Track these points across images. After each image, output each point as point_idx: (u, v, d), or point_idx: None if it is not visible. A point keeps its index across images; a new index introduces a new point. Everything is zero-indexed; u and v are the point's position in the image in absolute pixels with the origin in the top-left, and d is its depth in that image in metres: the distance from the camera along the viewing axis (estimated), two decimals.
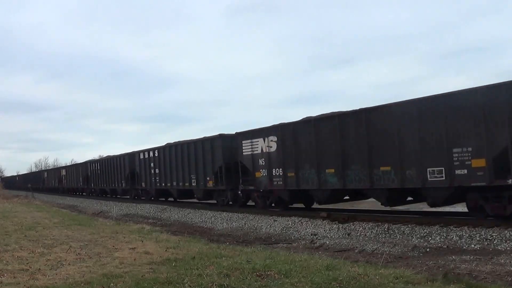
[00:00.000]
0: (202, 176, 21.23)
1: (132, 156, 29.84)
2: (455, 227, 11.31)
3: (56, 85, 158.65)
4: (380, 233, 12.34)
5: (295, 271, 6.69)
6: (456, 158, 11.09)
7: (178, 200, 25.84)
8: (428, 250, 10.26)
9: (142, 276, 6.77)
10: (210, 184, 20.71)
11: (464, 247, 10.07)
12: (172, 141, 25.47)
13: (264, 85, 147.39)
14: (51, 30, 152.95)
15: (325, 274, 6.49)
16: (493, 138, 10.48)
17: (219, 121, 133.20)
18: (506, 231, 10.24)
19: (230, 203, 20.19)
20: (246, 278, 6.38)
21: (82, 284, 6.39)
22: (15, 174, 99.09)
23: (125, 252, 9.19)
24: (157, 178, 25.95)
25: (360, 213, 15.59)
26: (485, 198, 11.17)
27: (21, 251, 9.62)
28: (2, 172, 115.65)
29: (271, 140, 16.81)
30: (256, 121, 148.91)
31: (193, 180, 22.09)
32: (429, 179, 11.68)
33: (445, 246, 10.41)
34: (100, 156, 65.00)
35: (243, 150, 18.24)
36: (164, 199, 27.58)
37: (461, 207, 17.17)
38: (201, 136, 22.63)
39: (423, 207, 15.69)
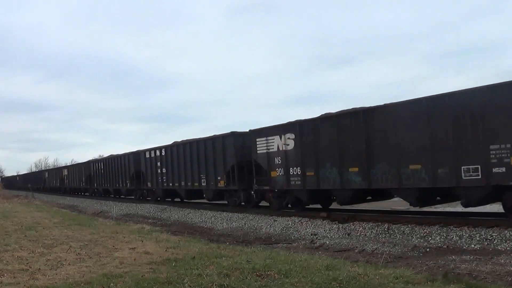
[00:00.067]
0: (213, 176, 20.40)
1: (137, 155, 28.89)
2: (455, 227, 11.30)
3: (56, 85, 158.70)
4: (380, 233, 12.34)
5: (295, 271, 6.69)
6: (493, 156, 10.46)
7: (186, 200, 24.95)
8: (428, 250, 10.26)
9: (142, 276, 6.77)
10: (221, 184, 19.86)
11: (464, 247, 10.08)
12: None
13: (264, 85, 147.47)
14: (51, 30, 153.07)
15: (325, 274, 6.49)
16: None
17: (219, 121, 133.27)
18: (506, 231, 10.24)
19: (242, 203, 19.34)
20: (246, 278, 6.38)
21: (82, 284, 6.39)
22: (15, 174, 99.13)
23: (125, 252, 9.19)
24: (164, 178, 25.08)
25: (360, 213, 15.57)
26: None
27: (21, 251, 9.62)
28: (2, 172, 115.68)
29: (288, 138, 16.02)
30: (256, 121, 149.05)
31: (202, 180, 21.27)
32: (463, 177, 10.99)
33: (445, 246, 10.41)
34: (100, 156, 64.89)
35: (258, 148, 17.44)
36: (170, 199, 26.63)
37: (461, 207, 17.15)
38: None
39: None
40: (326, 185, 14.64)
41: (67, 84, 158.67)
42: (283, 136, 16.25)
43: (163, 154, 25.20)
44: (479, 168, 10.77)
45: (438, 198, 12.78)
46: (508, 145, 10.25)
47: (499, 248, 9.61)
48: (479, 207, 12.15)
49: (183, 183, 23.15)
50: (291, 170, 15.91)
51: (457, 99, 11.18)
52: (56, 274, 7.23)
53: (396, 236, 11.89)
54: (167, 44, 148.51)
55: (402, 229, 12.17)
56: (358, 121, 13.51)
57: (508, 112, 10.28)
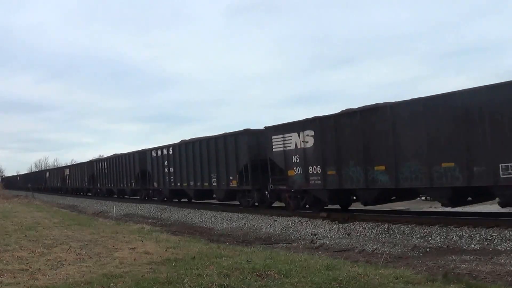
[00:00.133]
0: (224, 175, 19.57)
1: (143, 154, 27.92)
2: (455, 227, 11.30)
3: (56, 85, 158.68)
4: (380, 233, 12.34)
5: (295, 271, 6.69)
6: None
7: (195, 201, 24.03)
8: (428, 250, 10.26)
9: (142, 276, 6.77)
10: (234, 184, 19.03)
11: (464, 247, 10.08)
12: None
13: (264, 85, 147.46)
14: (51, 30, 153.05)
15: (325, 274, 6.49)
16: None
17: (219, 121, 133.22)
18: (506, 231, 10.24)
19: (256, 204, 18.63)
20: (246, 278, 6.38)
21: (82, 284, 6.40)
22: (15, 174, 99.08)
23: (125, 252, 9.19)
24: (172, 177, 24.19)
25: (360, 213, 15.57)
26: None
27: (21, 251, 9.62)
28: (2, 172, 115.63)
29: (307, 135, 15.16)
30: (256, 121, 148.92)
31: (213, 180, 20.38)
32: (501, 176, 10.37)
33: (445, 246, 10.41)
34: (100, 156, 64.82)
35: (273, 146, 16.59)
36: (177, 200, 25.80)
37: (461, 207, 17.16)
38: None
39: (423, 207, 15.71)
40: (349, 184, 13.88)
41: (67, 84, 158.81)
42: (301, 133, 15.43)
43: (170, 153, 24.30)
44: None
45: (469, 198, 12.28)
46: None
47: (499, 248, 9.61)
48: (479, 207, 12.15)
49: (192, 183, 22.31)
50: (310, 169, 15.14)
51: (496, 94, 10.54)
52: (56, 274, 7.23)
53: (396, 236, 11.89)
54: (167, 44, 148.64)
55: (402, 229, 12.17)
56: (385, 116, 12.76)
57: None
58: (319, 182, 14.86)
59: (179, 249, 9.37)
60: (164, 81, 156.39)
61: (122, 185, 31.54)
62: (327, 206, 15.86)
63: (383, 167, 12.82)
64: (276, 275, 6.50)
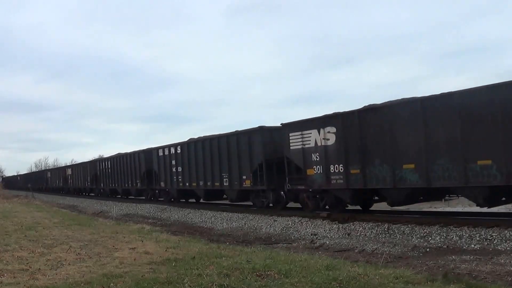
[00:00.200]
0: (237, 175, 18.71)
1: (148, 153, 27.13)
2: (455, 227, 11.30)
3: (56, 85, 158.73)
4: (380, 233, 12.34)
5: (295, 271, 6.69)
6: None
7: (204, 201, 23.26)
8: (428, 250, 10.26)
9: (142, 276, 6.77)
10: (247, 183, 18.19)
11: (464, 247, 10.08)
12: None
13: (264, 85, 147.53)
14: (51, 30, 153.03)
15: (325, 274, 6.49)
16: None
17: (219, 121, 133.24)
18: (506, 231, 10.24)
19: (271, 205, 17.91)
20: (246, 278, 6.38)
21: (82, 284, 6.40)
22: (15, 174, 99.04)
23: (125, 252, 9.19)
24: (180, 177, 23.28)
25: (360, 213, 15.57)
26: None
27: (21, 251, 9.63)
28: (2, 172, 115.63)
29: (328, 132, 14.41)
30: (256, 121, 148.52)
31: (225, 180, 19.57)
32: None
33: (445, 246, 10.41)
34: (100, 156, 64.74)
35: (291, 144, 15.78)
36: (184, 200, 25.12)
37: (461, 207, 17.19)
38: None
39: (423, 207, 15.71)
40: (374, 184, 13.14)
41: (67, 84, 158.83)
42: (322, 130, 14.61)
43: (178, 151, 23.41)
44: None
45: (503, 198, 11.71)
46: None
47: (499, 248, 9.61)
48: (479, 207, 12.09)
49: (201, 183, 21.46)
50: (331, 168, 14.36)
51: None
52: (56, 274, 7.23)
53: (396, 236, 11.89)
54: (167, 44, 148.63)
55: (402, 229, 12.17)
56: (415, 111, 11.98)
57: None
58: (341, 181, 14.11)
59: (179, 249, 9.37)
60: (164, 81, 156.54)
61: (126, 185, 30.80)
62: (347, 206, 15.34)
63: (412, 166, 12.12)
64: (276, 275, 6.50)
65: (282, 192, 17.19)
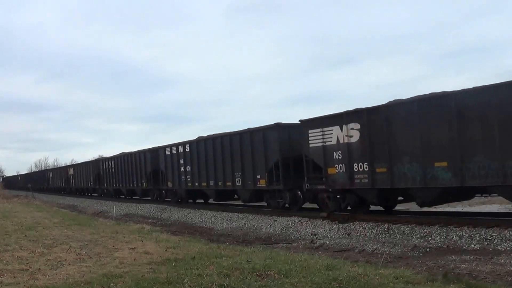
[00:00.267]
0: (251, 174, 17.94)
1: (155, 152, 26.39)
2: (455, 227, 11.30)
3: (56, 85, 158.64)
4: (380, 233, 12.34)
5: (295, 271, 6.69)
6: None
7: (215, 202, 22.37)
8: (428, 250, 10.26)
9: (142, 276, 6.78)
10: (262, 183, 17.45)
11: (464, 247, 10.08)
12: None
13: (264, 85, 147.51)
14: (51, 30, 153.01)
15: (325, 274, 6.49)
16: None
17: (219, 121, 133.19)
18: (506, 231, 10.24)
19: (287, 206, 17.14)
20: (246, 278, 6.38)
21: (82, 284, 6.40)
22: (15, 174, 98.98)
23: (125, 252, 9.19)
24: (188, 176, 22.50)
25: (360, 213, 15.54)
26: None
27: (21, 251, 9.63)
28: (2, 172, 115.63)
29: (352, 128, 13.72)
30: (256, 121, 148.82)
31: (237, 179, 18.81)
32: None
33: (445, 246, 10.41)
34: (100, 155, 64.59)
35: (310, 142, 15.07)
36: (192, 200, 24.43)
37: (461, 207, 17.19)
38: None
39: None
40: (402, 183, 12.45)
41: (67, 84, 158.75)
42: (344, 126, 13.91)
43: (187, 150, 22.60)
44: None
45: None
46: None
47: (499, 248, 9.61)
48: (479, 207, 12.09)
49: (212, 183, 20.63)
50: (355, 166, 13.67)
51: None
52: (56, 274, 7.24)
53: (396, 236, 11.89)
54: (167, 44, 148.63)
55: (402, 229, 12.17)
56: (448, 106, 11.35)
57: None
58: (366, 180, 13.39)
59: (179, 249, 9.37)
60: (164, 81, 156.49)
61: (131, 185, 29.99)
62: (369, 207, 14.73)
63: (445, 163, 11.44)
64: (276, 275, 6.50)
65: (299, 192, 16.50)
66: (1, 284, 6.62)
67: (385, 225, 12.77)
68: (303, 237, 13.37)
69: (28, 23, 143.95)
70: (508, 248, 9.47)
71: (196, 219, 19.53)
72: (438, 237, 11.02)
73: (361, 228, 13.03)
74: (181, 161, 23.13)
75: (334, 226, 13.79)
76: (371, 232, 12.58)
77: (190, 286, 6.04)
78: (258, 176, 17.63)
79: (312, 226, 14.34)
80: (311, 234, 13.50)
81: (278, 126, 16.83)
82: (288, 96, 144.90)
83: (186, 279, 6.36)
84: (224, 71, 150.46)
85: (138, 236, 11.93)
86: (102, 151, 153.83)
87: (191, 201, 24.37)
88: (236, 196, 20.38)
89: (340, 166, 14.12)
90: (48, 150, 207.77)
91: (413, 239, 11.36)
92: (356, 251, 10.79)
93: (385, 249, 10.49)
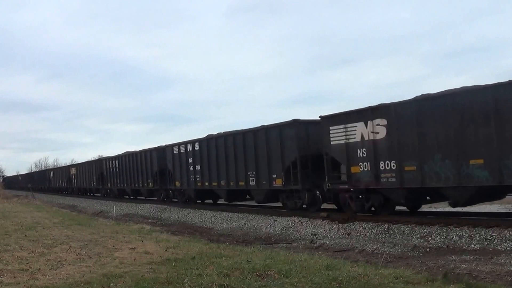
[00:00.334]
0: (266, 173, 17.09)
1: (161, 151, 25.57)
2: (455, 227, 11.30)
3: (56, 85, 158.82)
4: (380, 233, 12.34)
5: (295, 271, 6.69)
6: None
7: (227, 202, 21.26)
8: (428, 250, 10.26)
9: (142, 276, 6.78)
10: (278, 183, 16.63)
11: (464, 247, 10.08)
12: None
13: (265, 85, 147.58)
14: (51, 30, 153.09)
15: (325, 274, 6.49)
16: None
17: (219, 121, 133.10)
18: (506, 231, 10.24)
19: (304, 206, 16.35)
20: (246, 278, 6.38)
21: (82, 284, 6.40)
22: (15, 174, 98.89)
23: (125, 252, 9.19)
24: (198, 176, 21.61)
25: (360, 213, 15.53)
26: None
27: (21, 251, 9.63)
28: (2, 172, 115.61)
29: (377, 124, 13.01)
30: (257, 121, 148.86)
31: (251, 179, 17.94)
32: None
33: (445, 246, 10.42)
34: (100, 155, 64.49)
35: (332, 139, 14.35)
36: (200, 201, 23.54)
37: (461, 207, 17.16)
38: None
39: (423, 207, 15.67)
40: (434, 182, 11.77)
41: (67, 84, 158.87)
42: (370, 123, 13.21)
43: (196, 148, 21.77)
44: None
45: None
46: None
47: (499, 248, 9.61)
48: (479, 207, 12.06)
49: (223, 182, 19.73)
50: (381, 164, 12.95)
51: None
52: (56, 274, 7.24)
53: (396, 236, 11.89)
54: (167, 44, 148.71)
55: (402, 229, 12.17)
56: (484, 100, 10.73)
57: None
58: (393, 180, 12.69)
59: (179, 249, 9.37)
60: (164, 81, 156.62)
61: (137, 185, 29.05)
62: (395, 208, 13.99)
63: (481, 161, 10.79)
64: (276, 275, 6.50)
65: (317, 192, 15.77)
66: (1, 284, 6.62)
67: (385, 225, 12.77)
68: (303, 237, 13.37)
69: (28, 23, 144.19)
70: (508, 248, 9.47)
71: (196, 219, 19.53)
72: (438, 237, 11.02)
73: (361, 228, 13.03)
74: (190, 160, 22.27)
75: (334, 226, 13.78)
76: (371, 232, 12.58)
77: (190, 286, 6.04)
78: (274, 175, 16.83)
79: (312, 226, 14.34)
80: (311, 234, 13.50)
81: (295, 123, 16.07)
82: (288, 96, 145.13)
83: (186, 279, 6.36)
84: (224, 71, 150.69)
85: (138, 236, 11.93)
86: (102, 151, 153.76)
87: (199, 201, 23.63)
88: (248, 197, 19.73)
89: (365, 165, 13.46)
90: (48, 150, 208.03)
91: (413, 239, 11.36)
92: (356, 251, 10.80)
93: (385, 249, 10.49)
